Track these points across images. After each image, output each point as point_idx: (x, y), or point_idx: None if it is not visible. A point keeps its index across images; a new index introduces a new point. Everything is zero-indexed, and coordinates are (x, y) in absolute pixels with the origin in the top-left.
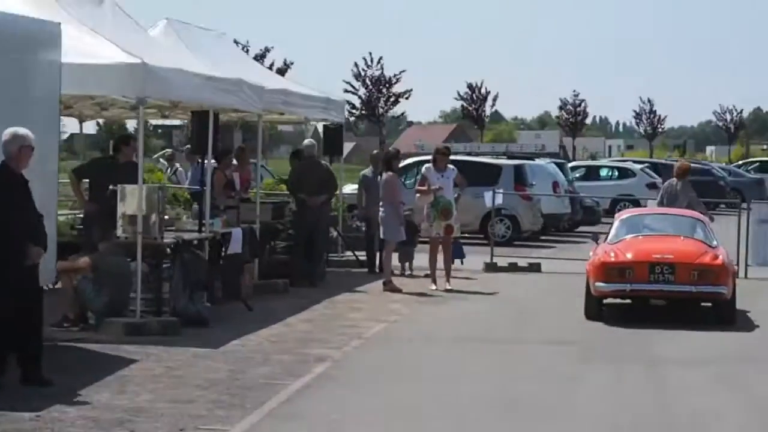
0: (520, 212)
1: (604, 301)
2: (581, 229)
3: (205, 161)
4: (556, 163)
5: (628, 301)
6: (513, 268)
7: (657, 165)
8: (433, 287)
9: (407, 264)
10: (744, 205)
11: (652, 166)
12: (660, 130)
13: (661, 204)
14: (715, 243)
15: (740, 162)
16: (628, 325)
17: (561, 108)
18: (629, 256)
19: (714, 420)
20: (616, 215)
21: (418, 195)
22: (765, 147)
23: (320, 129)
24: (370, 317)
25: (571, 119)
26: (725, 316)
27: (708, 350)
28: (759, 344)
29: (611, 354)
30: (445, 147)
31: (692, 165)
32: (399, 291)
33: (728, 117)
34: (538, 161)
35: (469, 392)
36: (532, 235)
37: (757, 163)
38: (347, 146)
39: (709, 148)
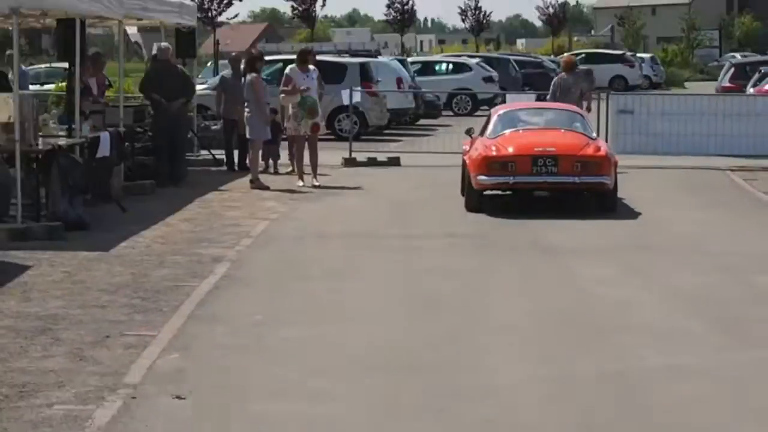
0: (367, 108)
1: (484, 193)
2: (422, 122)
3: (74, 68)
4: (398, 60)
5: (508, 193)
6: (372, 162)
7: (491, 59)
8: (301, 183)
9: (271, 162)
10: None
11: (485, 60)
12: (486, 25)
13: (553, 99)
14: (594, 135)
15: (565, 54)
16: (512, 216)
17: (389, 6)
18: (511, 149)
19: (639, 308)
20: (493, 110)
21: (282, 95)
22: (576, 39)
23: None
24: (249, 215)
25: (398, 17)
26: (608, 204)
27: (601, 239)
28: (646, 231)
29: (507, 245)
30: (309, 48)
31: (524, 58)
32: (267, 188)
33: (551, 10)
34: (381, 58)
35: (382, 290)
36: (376, 129)
37: (583, 55)
38: None
39: (520, 41)
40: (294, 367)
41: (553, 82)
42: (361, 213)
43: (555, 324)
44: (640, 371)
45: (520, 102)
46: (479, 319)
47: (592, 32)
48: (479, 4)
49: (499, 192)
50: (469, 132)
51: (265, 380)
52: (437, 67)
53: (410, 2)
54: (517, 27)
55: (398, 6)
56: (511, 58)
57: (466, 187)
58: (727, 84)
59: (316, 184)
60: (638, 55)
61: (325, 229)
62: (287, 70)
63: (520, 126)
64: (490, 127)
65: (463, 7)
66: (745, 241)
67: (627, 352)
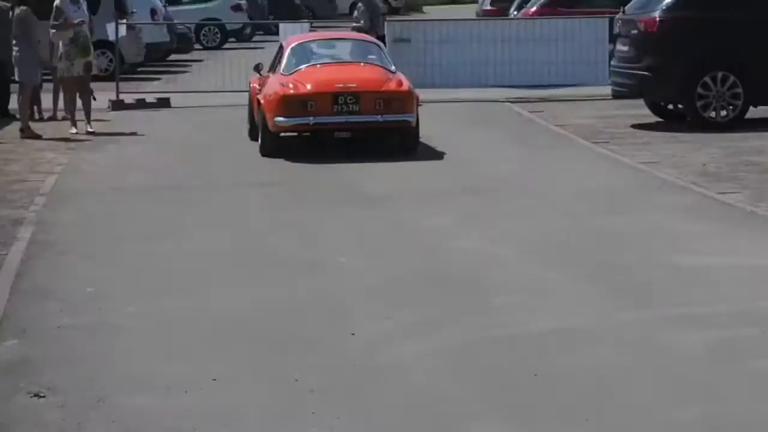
0: (123, 44)
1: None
2: (173, 57)
3: None
4: None
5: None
6: (141, 104)
7: None
8: (74, 131)
9: (36, 107)
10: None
11: None
12: None
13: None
14: (393, 68)
15: None
16: (313, 160)
17: None
18: (309, 87)
19: (501, 262)
20: (285, 43)
21: (53, 31)
22: None
23: None
24: (30, 169)
25: None
26: (410, 144)
27: (419, 183)
28: (461, 172)
29: (324, 195)
30: None
31: None
32: (39, 137)
33: None
34: None
35: (216, 251)
36: (130, 67)
37: None
38: None
39: None
40: (155, 349)
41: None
42: (151, 162)
43: (421, 286)
44: (531, 337)
45: (312, 33)
46: (337, 283)
47: None
48: None
49: (294, 133)
50: (257, 68)
51: (130, 368)
52: None
53: None
54: None
55: None
56: None
57: (261, 130)
58: (488, 7)
59: (91, 130)
60: None
61: (120, 183)
62: (57, 1)
63: (316, 60)
64: (284, 61)
65: None
66: (565, 179)
67: (511, 315)
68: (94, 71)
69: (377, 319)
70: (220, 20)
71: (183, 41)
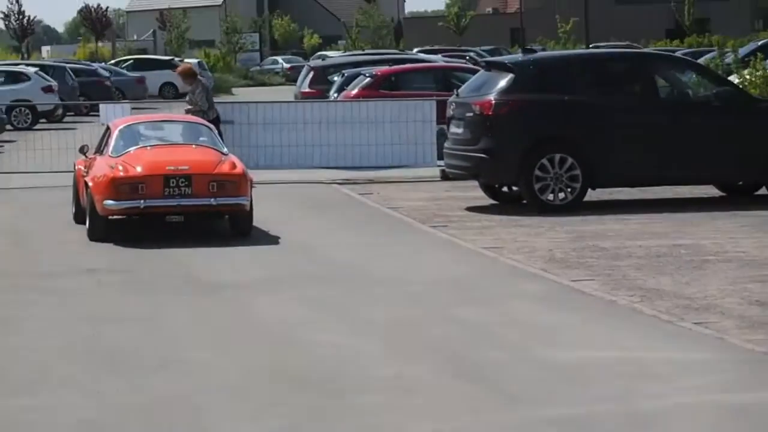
0: None
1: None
2: None
3: None
4: None
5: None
6: None
7: (46, 67)
8: None
9: None
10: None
11: (42, 69)
12: (30, 31)
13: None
14: (225, 150)
15: (113, 61)
16: (145, 245)
17: None
18: (139, 169)
19: (360, 357)
20: (112, 124)
21: None
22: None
23: None
24: None
25: None
26: (243, 227)
27: (260, 269)
28: (300, 258)
29: (162, 282)
30: None
31: (78, 66)
32: None
33: (93, 15)
34: None
35: (55, 347)
36: None
37: (132, 61)
38: None
39: (45, 48)
40: None
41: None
42: None
43: (281, 385)
44: None
45: (139, 115)
46: (192, 383)
47: (135, 36)
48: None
49: (124, 217)
50: (82, 150)
51: None
52: None
53: None
54: (39, 33)
55: None
56: (66, 66)
57: (89, 214)
58: (307, 89)
59: None
60: (186, 60)
61: None
62: None
63: (146, 142)
64: (112, 143)
65: (6, 12)
66: (412, 266)
67: (380, 417)
68: None
69: (238, 423)
70: (30, 101)
71: None
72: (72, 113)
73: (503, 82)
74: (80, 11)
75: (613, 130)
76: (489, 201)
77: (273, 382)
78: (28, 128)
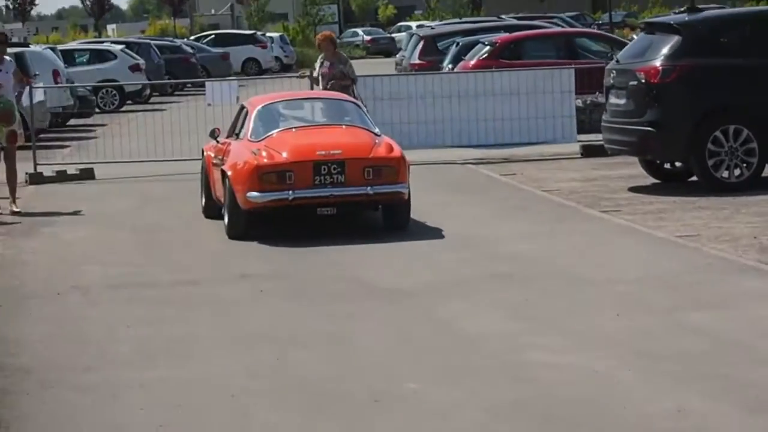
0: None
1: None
2: (73, 122)
3: None
4: (50, 48)
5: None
6: (62, 177)
7: (130, 44)
8: None
9: None
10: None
11: (128, 47)
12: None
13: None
14: (377, 131)
15: (192, 37)
16: (293, 242)
17: None
18: (286, 155)
19: (617, 387)
20: (249, 104)
21: None
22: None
23: None
24: None
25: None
26: (401, 219)
27: (437, 270)
28: (476, 254)
29: (330, 288)
30: (2, 34)
31: (162, 42)
32: None
33: None
34: (33, 47)
35: (232, 381)
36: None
37: (213, 36)
38: None
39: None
40: None
41: (318, 70)
42: (104, 250)
43: (535, 425)
44: None
45: (277, 92)
46: (429, 422)
47: (213, 11)
48: None
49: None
50: (213, 134)
51: None
52: (78, 57)
53: None
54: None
55: None
56: (151, 42)
57: (228, 207)
58: (417, 61)
59: (16, 209)
60: (267, 34)
61: (79, 279)
62: None
63: (289, 123)
64: (251, 125)
65: None
66: (605, 260)
67: None
68: (20, 141)
69: None
70: (118, 81)
71: (85, 104)
72: (157, 93)
73: (670, 46)
74: None
75: None
76: (650, 180)
77: (520, 421)
78: (116, 110)
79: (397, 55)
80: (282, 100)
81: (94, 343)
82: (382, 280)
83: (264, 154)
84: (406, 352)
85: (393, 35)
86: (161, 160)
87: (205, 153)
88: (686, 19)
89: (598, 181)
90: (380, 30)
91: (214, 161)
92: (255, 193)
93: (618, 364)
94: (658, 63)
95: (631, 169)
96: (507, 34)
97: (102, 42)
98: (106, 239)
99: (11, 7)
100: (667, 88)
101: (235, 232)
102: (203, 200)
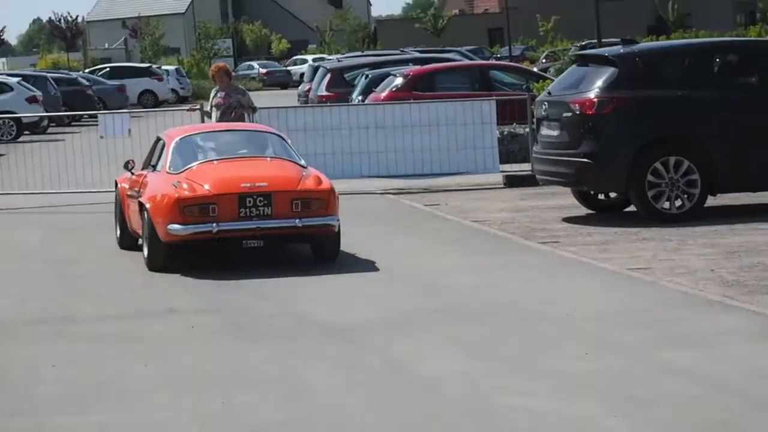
0: None
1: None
2: None
3: None
4: None
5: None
6: None
7: (26, 77)
8: None
9: None
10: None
11: (24, 79)
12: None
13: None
14: (303, 162)
15: (87, 70)
16: (217, 275)
17: None
18: (208, 187)
19: (600, 415)
20: (165, 136)
21: None
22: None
23: None
24: None
25: None
26: (330, 252)
27: (372, 305)
28: (412, 288)
29: (270, 326)
30: None
31: (58, 75)
32: None
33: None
34: None
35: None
36: None
37: (108, 69)
38: None
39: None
40: None
41: (211, 102)
42: (18, 284)
43: None
44: None
45: (192, 125)
46: None
47: (106, 45)
48: None
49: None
50: (127, 166)
51: None
52: None
53: None
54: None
55: None
56: (48, 75)
57: (148, 240)
58: (325, 93)
59: None
60: (163, 67)
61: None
62: None
63: (209, 156)
64: (168, 158)
65: None
66: (557, 294)
67: None
68: None
69: None
70: (15, 113)
71: None
72: (54, 124)
73: (605, 78)
74: (49, 21)
75: (734, 128)
76: (584, 210)
77: None
78: (13, 140)
79: (299, 87)
80: (200, 132)
81: (19, 385)
82: (321, 316)
83: (185, 186)
84: (360, 396)
85: (289, 68)
86: (65, 192)
87: (118, 185)
88: (621, 51)
89: (529, 211)
90: (275, 63)
91: (129, 193)
92: (176, 226)
93: (602, 410)
94: (593, 95)
95: (561, 200)
96: (419, 67)
97: None
98: (20, 272)
99: None
100: (603, 119)
101: (155, 264)
102: (118, 231)
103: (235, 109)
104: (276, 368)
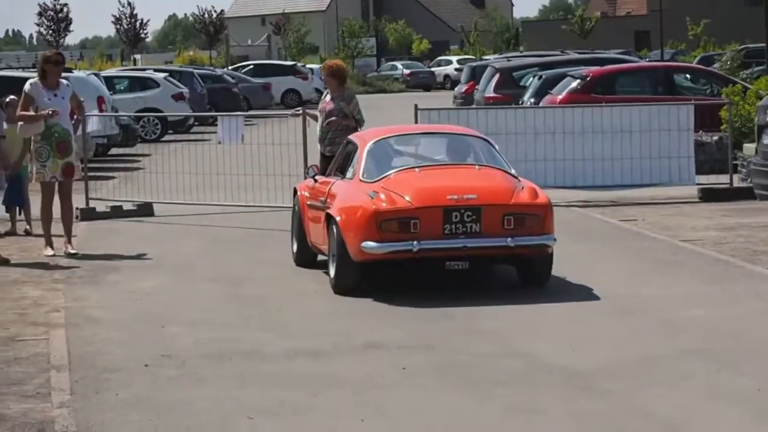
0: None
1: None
2: (114, 152)
3: None
4: (94, 74)
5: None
6: (118, 212)
7: (172, 73)
8: (50, 252)
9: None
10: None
11: (170, 75)
12: (144, 35)
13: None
14: (514, 172)
15: (231, 67)
16: (418, 301)
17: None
18: (409, 199)
19: None
20: (358, 139)
21: (20, 123)
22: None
23: None
24: (17, 317)
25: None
26: (542, 276)
27: (620, 341)
28: (648, 321)
29: (499, 368)
30: (57, 54)
31: (204, 71)
32: (6, 262)
33: (207, 18)
34: (77, 72)
35: None
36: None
37: (252, 66)
38: None
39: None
40: None
41: (319, 105)
42: (186, 305)
43: None
44: None
45: (392, 126)
46: None
47: (249, 41)
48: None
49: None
50: (310, 172)
51: None
52: (118, 84)
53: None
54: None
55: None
56: (195, 71)
57: (336, 258)
58: (492, 94)
59: (72, 251)
60: (307, 66)
61: (167, 345)
62: (27, 87)
63: (410, 162)
64: (362, 164)
65: (117, 15)
66: None
67: None
68: (77, 175)
69: None
70: (160, 109)
71: (128, 133)
72: (197, 123)
73: None
74: (193, 15)
75: None
76: None
77: None
78: (157, 140)
79: (456, 89)
80: (398, 135)
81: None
82: (552, 357)
83: (383, 197)
84: None
85: (432, 69)
86: (227, 204)
87: (298, 192)
88: None
89: (740, 230)
90: (419, 63)
91: (311, 203)
92: (372, 243)
93: None
94: None
95: None
96: (598, 67)
97: (144, 69)
98: (185, 291)
99: (44, 33)
100: None
101: (343, 287)
102: (294, 246)
103: (338, 117)
104: (518, 426)
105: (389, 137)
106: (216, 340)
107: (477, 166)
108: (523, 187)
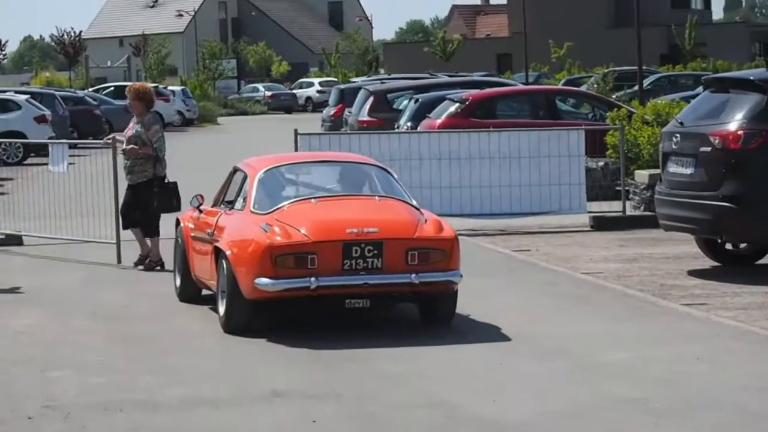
0: None
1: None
2: None
3: None
4: None
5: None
6: None
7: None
8: None
9: None
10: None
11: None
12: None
13: None
14: (415, 203)
15: (91, 88)
16: (309, 340)
17: None
18: (305, 232)
19: None
20: (247, 168)
21: None
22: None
23: None
24: None
25: None
26: (446, 314)
27: (543, 388)
28: (577, 366)
29: (415, 420)
30: None
31: (65, 93)
32: None
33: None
34: None
35: None
36: None
37: (112, 88)
38: None
39: None
40: None
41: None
42: (70, 347)
43: None
44: None
45: (278, 154)
46: None
47: (109, 62)
48: None
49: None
50: (196, 202)
51: None
52: None
53: None
54: None
55: None
56: (56, 93)
57: (227, 295)
58: (367, 117)
59: None
60: (169, 88)
61: (49, 392)
62: None
63: (305, 193)
64: (252, 195)
65: None
66: (752, 379)
67: None
68: None
69: None
70: (23, 134)
71: None
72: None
73: (751, 106)
74: (51, 36)
75: None
76: (708, 262)
77: None
78: (18, 163)
79: (324, 111)
80: (290, 163)
81: None
82: (474, 407)
83: (277, 230)
84: None
85: (294, 91)
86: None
87: (181, 224)
88: None
89: (641, 262)
90: (280, 85)
91: (196, 234)
92: (266, 280)
93: None
94: (738, 126)
95: (669, 247)
96: (478, 91)
97: (4, 91)
98: (64, 329)
99: None
100: (750, 155)
101: (235, 326)
102: (177, 280)
103: (135, 143)
104: None
105: (281, 165)
106: (103, 386)
107: (377, 197)
108: (426, 220)
